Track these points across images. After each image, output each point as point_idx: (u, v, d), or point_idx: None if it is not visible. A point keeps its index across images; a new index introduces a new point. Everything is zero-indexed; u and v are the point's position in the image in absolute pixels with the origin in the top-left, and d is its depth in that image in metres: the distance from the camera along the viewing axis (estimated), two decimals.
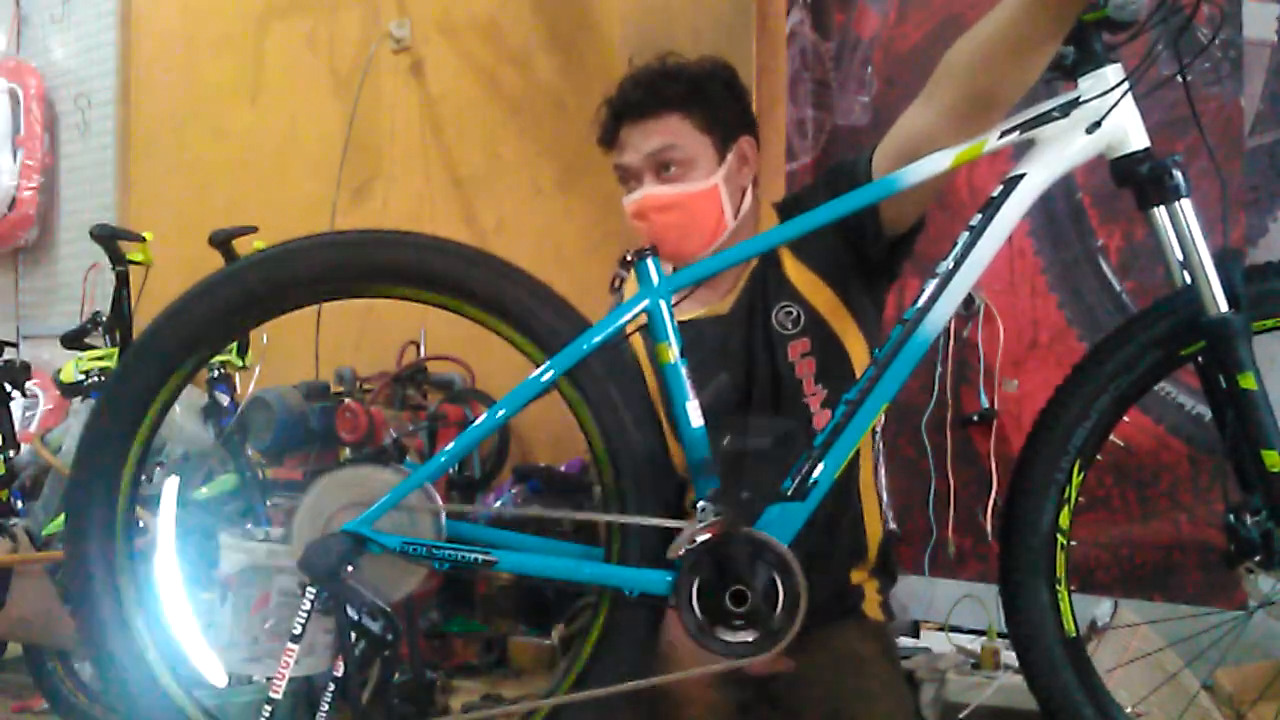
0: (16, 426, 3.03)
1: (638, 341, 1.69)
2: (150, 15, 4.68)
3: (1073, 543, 1.38)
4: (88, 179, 4.80)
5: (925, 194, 1.58)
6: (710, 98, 1.68)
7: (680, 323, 1.59)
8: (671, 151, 1.65)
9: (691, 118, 1.66)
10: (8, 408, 2.97)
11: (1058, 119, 1.33)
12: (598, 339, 1.32)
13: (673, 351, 1.35)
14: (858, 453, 1.66)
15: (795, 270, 1.69)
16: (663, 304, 1.36)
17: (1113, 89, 1.31)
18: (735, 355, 1.70)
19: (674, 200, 1.65)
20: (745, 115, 1.74)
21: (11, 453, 2.93)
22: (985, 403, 2.63)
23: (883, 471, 2.63)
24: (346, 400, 3.03)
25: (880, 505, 1.80)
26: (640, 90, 1.69)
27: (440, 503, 1.33)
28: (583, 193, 3.35)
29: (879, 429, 2.02)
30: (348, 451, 3.03)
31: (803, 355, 1.67)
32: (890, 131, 1.58)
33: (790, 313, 1.68)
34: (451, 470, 2.90)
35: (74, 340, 2.94)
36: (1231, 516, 1.30)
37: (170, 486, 2.00)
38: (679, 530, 1.30)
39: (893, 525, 2.67)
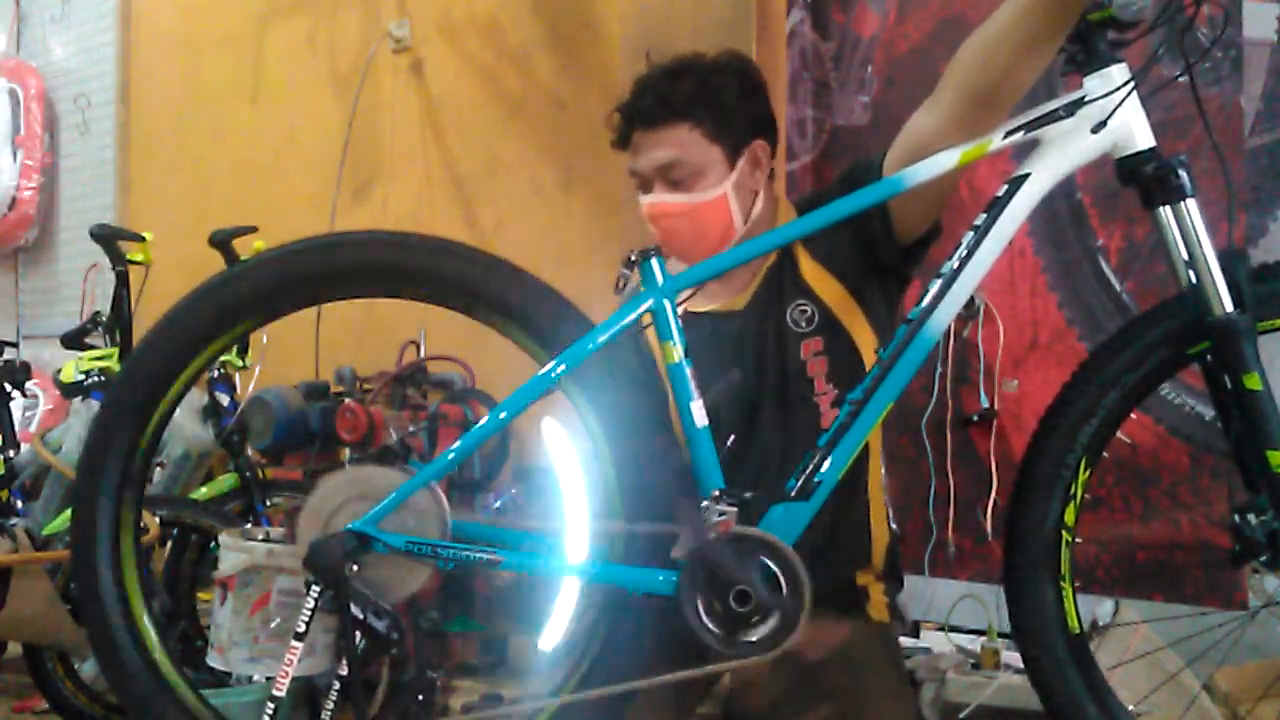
0: (16, 426, 3.03)
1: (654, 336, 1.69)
2: (150, 15, 4.68)
3: (1077, 540, 1.38)
4: (88, 179, 4.80)
5: (936, 198, 1.58)
6: (722, 105, 1.65)
7: (696, 314, 1.58)
8: (679, 166, 1.64)
9: (701, 127, 1.64)
10: (8, 408, 2.97)
11: (1063, 119, 1.33)
12: (602, 338, 1.32)
13: (677, 351, 1.35)
14: (867, 455, 1.66)
15: (810, 268, 1.68)
16: (667, 304, 1.36)
17: (1118, 89, 1.31)
18: (749, 351, 1.69)
19: (682, 209, 1.65)
20: (760, 117, 1.71)
21: (11, 453, 2.93)
22: (985, 403, 2.63)
23: (883, 471, 2.63)
24: (346, 400, 3.03)
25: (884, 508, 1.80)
26: (650, 97, 1.66)
27: (445, 502, 1.33)
28: (583, 193, 3.36)
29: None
30: (348, 451, 3.03)
31: (815, 354, 1.67)
32: (901, 132, 1.58)
33: (805, 311, 1.67)
34: (452, 471, 2.90)
35: (74, 340, 2.94)
36: (1237, 516, 1.30)
37: None
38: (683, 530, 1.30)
39: (893, 525, 2.67)
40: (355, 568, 1.28)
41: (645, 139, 1.66)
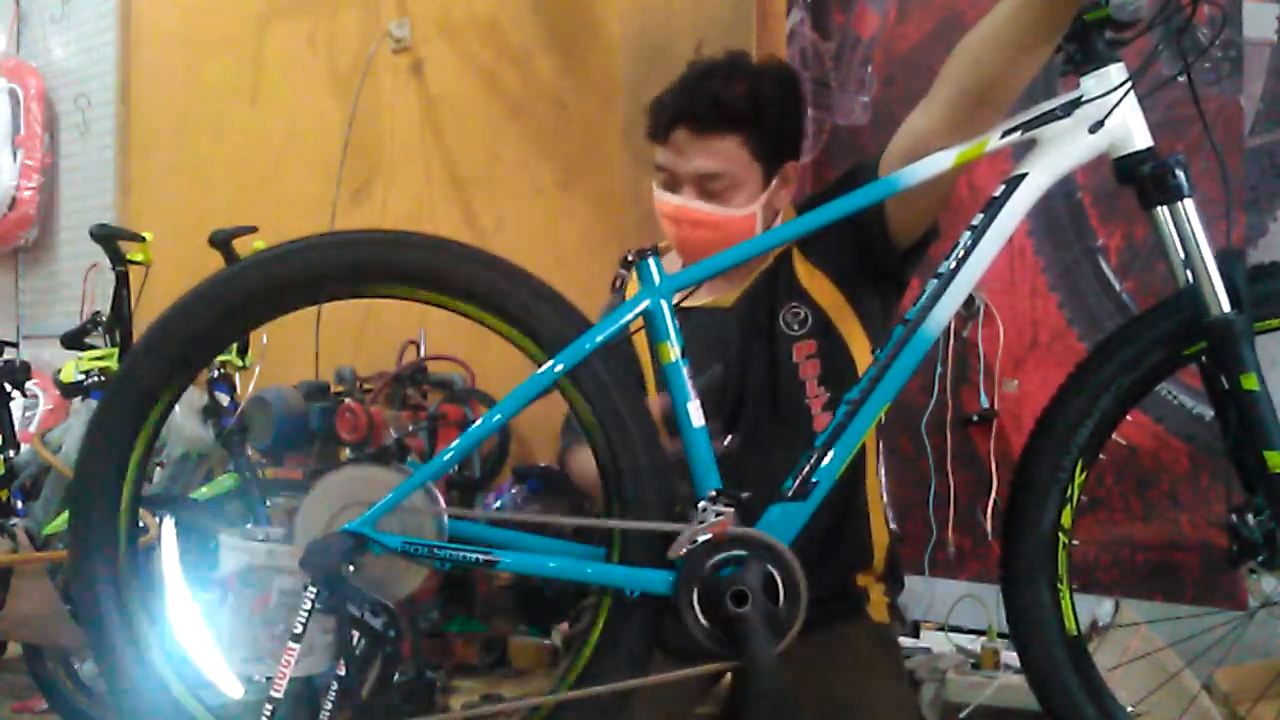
0: (16, 426, 3.03)
1: (640, 340, 1.69)
2: (150, 15, 4.68)
3: (1074, 542, 1.38)
4: (88, 179, 4.80)
5: (933, 199, 1.58)
6: (769, 121, 1.64)
7: (682, 309, 1.59)
8: (721, 178, 1.62)
9: (749, 143, 1.63)
10: (8, 408, 2.97)
11: (1060, 118, 1.33)
12: (600, 338, 1.31)
13: (674, 351, 1.34)
14: (864, 456, 1.66)
15: (805, 271, 1.68)
16: (664, 304, 1.36)
17: (1115, 88, 1.31)
18: (732, 349, 1.69)
19: (711, 220, 1.63)
20: (796, 136, 1.71)
21: (11, 453, 2.93)
22: (985, 403, 2.63)
23: (883, 472, 2.64)
24: (346, 400, 3.03)
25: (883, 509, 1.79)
26: (706, 103, 1.62)
27: (443, 503, 1.32)
28: (583, 193, 3.35)
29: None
30: (348, 451, 3.03)
31: (807, 357, 1.66)
32: (897, 132, 1.58)
33: (798, 313, 1.67)
34: (451, 470, 2.90)
35: (74, 340, 2.94)
36: (1234, 517, 1.30)
37: (168, 530, 2.00)
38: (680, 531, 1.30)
39: (893, 525, 2.67)
40: (352, 568, 1.28)
41: (691, 143, 1.63)
